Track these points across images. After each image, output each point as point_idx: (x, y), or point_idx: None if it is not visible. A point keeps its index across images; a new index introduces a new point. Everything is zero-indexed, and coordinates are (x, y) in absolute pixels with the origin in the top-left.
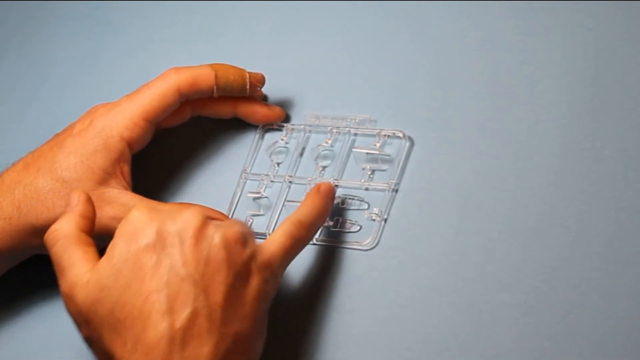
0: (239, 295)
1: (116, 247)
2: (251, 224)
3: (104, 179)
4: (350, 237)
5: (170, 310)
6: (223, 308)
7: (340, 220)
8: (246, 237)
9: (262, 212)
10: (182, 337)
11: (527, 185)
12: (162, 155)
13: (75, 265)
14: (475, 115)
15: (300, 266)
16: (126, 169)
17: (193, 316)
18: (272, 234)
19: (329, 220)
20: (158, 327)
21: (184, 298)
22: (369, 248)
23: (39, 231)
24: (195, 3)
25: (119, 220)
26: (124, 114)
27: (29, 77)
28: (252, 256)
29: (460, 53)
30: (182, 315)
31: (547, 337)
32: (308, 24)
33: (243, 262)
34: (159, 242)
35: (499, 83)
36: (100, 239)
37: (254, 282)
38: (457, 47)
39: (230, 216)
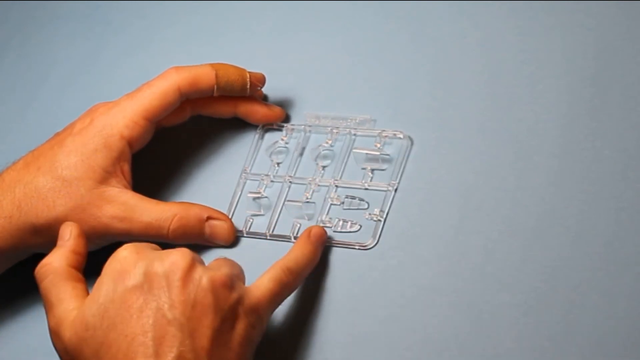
0: (225, 340)
1: (103, 286)
2: (251, 224)
3: (104, 178)
4: (350, 237)
5: (156, 354)
6: (208, 353)
7: (340, 220)
8: (234, 280)
9: (262, 212)
10: None
11: (527, 185)
12: (162, 155)
13: (64, 301)
14: (475, 115)
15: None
16: (126, 168)
17: (177, 358)
18: (260, 278)
19: (330, 220)
20: None
21: (170, 341)
22: (369, 248)
23: (40, 230)
24: (195, 3)
25: (119, 219)
26: (124, 113)
27: (29, 77)
28: (239, 300)
29: (460, 53)
30: (168, 358)
31: (547, 337)
32: (308, 24)
33: (230, 306)
34: (146, 284)
35: (499, 83)
36: (100, 238)
37: (240, 327)
38: (457, 47)
39: (230, 216)
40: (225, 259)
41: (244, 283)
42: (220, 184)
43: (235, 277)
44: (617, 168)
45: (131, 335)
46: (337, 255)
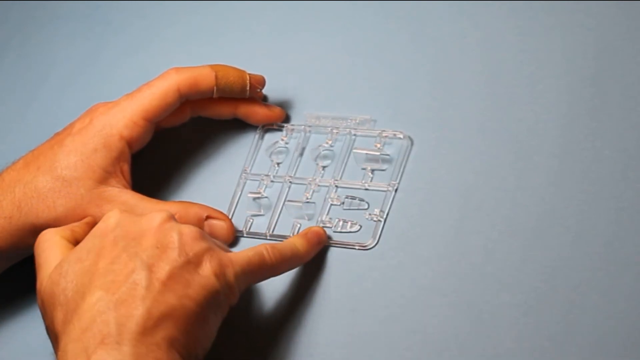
0: (185, 279)
1: (85, 242)
2: (251, 224)
3: (104, 178)
4: (350, 237)
5: (112, 281)
6: (163, 283)
7: (340, 220)
8: (205, 236)
9: (262, 212)
10: (115, 301)
11: (527, 185)
12: (162, 155)
13: (50, 262)
14: (475, 115)
15: (300, 266)
16: (126, 168)
17: (132, 286)
18: (250, 248)
19: (330, 220)
20: (95, 294)
21: (128, 272)
22: (369, 248)
23: (40, 230)
24: (195, 3)
25: None
26: (124, 113)
27: (29, 77)
28: (207, 250)
29: (460, 53)
30: (122, 285)
31: (547, 337)
32: (308, 24)
33: (195, 253)
34: (122, 240)
35: (499, 83)
36: None
37: (203, 272)
38: (457, 47)
39: (230, 216)
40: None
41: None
42: (220, 184)
43: (209, 236)
44: (617, 168)
45: (94, 270)
46: (337, 255)
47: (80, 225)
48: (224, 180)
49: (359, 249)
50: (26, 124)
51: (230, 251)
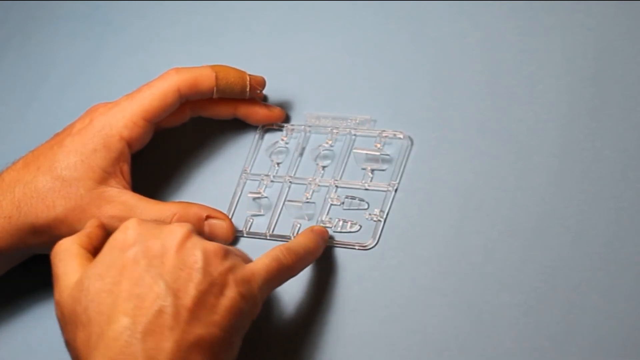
0: (211, 304)
1: (104, 256)
2: (251, 224)
3: (104, 178)
4: (350, 237)
5: (137, 307)
6: (190, 310)
7: (340, 220)
8: (227, 251)
9: (262, 212)
10: (143, 331)
11: (527, 185)
12: (162, 155)
13: (69, 274)
14: (475, 115)
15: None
16: (126, 168)
17: (158, 314)
18: (263, 255)
19: (330, 220)
20: (121, 321)
21: (153, 297)
22: (369, 248)
23: (39, 230)
24: (195, 3)
25: (118, 219)
26: (123, 114)
27: (29, 77)
28: (231, 269)
29: (460, 53)
30: (148, 312)
31: (547, 337)
32: (308, 24)
33: (220, 273)
34: (145, 258)
35: (499, 83)
36: None
37: (229, 294)
38: (457, 47)
39: (230, 216)
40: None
41: (243, 261)
42: (220, 184)
43: (231, 251)
44: (617, 168)
45: (118, 292)
46: (337, 255)
47: (95, 231)
48: (224, 180)
49: (359, 249)
50: (26, 124)
51: (250, 259)
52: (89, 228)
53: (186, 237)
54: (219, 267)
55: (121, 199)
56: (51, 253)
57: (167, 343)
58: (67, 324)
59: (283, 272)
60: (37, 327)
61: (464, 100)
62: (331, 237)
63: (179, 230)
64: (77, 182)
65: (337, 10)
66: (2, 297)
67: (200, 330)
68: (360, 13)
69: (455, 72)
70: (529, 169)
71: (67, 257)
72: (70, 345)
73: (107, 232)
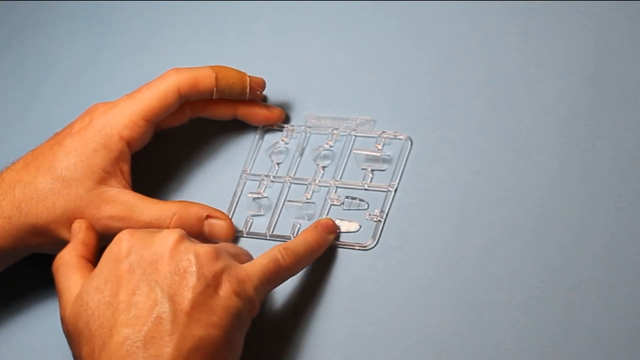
0: (208, 305)
1: (100, 269)
2: (251, 224)
3: (104, 178)
4: (350, 237)
5: (136, 316)
6: (188, 314)
7: (340, 220)
8: (220, 252)
9: (262, 212)
10: (144, 339)
11: (527, 185)
12: (162, 155)
13: (70, 288)
14: (475, 115)
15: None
16: (126, 168)
17: (157, 321)
18: (262, 254)
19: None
20: (122, 332)
21: (151, 305)
22: (369, 248)
23: (39, 231)
24: (195, 3)
25: (118, 219)
26: (123, 114)
27: (29, 77)
28: (225, 269)
29: (460, 53)
30: (147, 320)
31: (547, 337)
32: (308, 24)
33: (214, 274)
34: (139, 267)
35: (499, 83)
36: (100, 238)
37: (225, 294)
38: (457, 47)
39: (230, 216)
40: (227, 243)
41: (242, 257)
42: (220, 184)
43: (224, 251)
44: (617, 168)
45: (117, 303)
46: (337, 256)
47: (87, 235)
48: (224, 181)
49: (359, 249)
50: (26, 124)
51: (250, 256)
52: (82, 233)
53: (178, 242)
54: (212, 269)
55: (121, 198)
56: (52, 267)
57: (168, 348)
58: (73, 339)
59: (281, 272)
60: (37, 327)
61: (464, 100)
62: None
63: (170, 236)
64: (77, 182)
65: (337, 10)
66: (2, 297)
67: (199, 332)
68: (360, 13)
69: (455, 72)
70: (529, 169)
71: (68, 270)
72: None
73: (96, 231)
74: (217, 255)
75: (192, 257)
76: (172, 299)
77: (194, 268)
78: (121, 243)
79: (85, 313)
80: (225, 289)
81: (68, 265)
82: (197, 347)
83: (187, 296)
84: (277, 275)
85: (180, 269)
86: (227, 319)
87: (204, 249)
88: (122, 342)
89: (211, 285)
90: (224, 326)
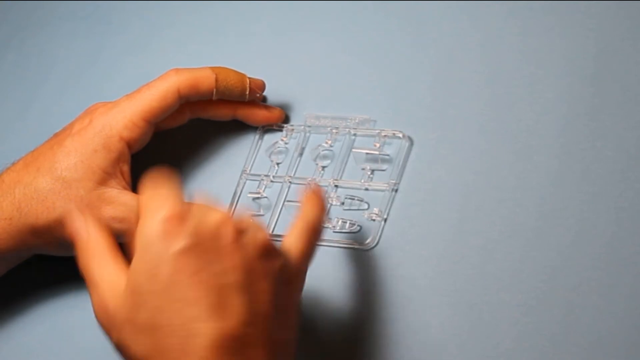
0: (282, 305)
1: (150, 248)
2: None
3: (104, 179)
4: (350, 237)
5: (220, 319)
6: (271, 317)
7: (340, 220)
8: (273, 244)
9: (262, 212)
10: (233, 346)
11: (527, 185)
12: (162, 155)
13: (112, 276)
14: (475, 115)
15: None
16: (126, 168)
17: (244, 324)
18: (288, 239)
19: (330, 220)
20: (208, 334)
21: (232, 308)
22: (369, 248)
23: (40, 231)
24: (195, 3)
25: (119, 220)
26: (123, 114)
27: (29, 77)
28: (285, 264)
29: (460, 53)
30: (233, 323)
31: (547, 337)
32: (308, 24)
33: (279, 270)
34: (197, 247)
35: (499, 83)
36: None
37: (293, 291)
38: (457, 47)
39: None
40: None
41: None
42: (220, 184)
43: (275, 247)
44: (617, 168)
45: (188, 299)
46: (337, 255)
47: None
48: (224, 181)
49: (359, 249)
50: (26, 124)
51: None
52: (87, 215)
53: (236, 231)
54: (275, 265)
55: (121, 199)
56: (78, 254)
57: (261, 355)
58: (123, 328)
59: (315, 249)
60: (37, 327)
61: (464, 100)
62: (331, 237)
63: (226, 221)
64: (77, 183)
65: (337, 10)
66: (3, 298)
67: (283, 336)
68: (360, 13)
69: (455, 72)
70: (529, 169)
71: (101, 258)
72: (129, 349)
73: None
74: (273, 248)
75: (255, 253)
76: (253, 299)
77: (262, 265)
78: (170, 222)
79: (146, 305)
80: (292, 287)
81: (99, 252)
82: (284, 354)
83: (266, 298)
84: (313, 252)
85: (250, 267)
86: (297, 316)
87: (262, 242)
88: (209, 344)
89: (279, 283)
90: (296, 326)
